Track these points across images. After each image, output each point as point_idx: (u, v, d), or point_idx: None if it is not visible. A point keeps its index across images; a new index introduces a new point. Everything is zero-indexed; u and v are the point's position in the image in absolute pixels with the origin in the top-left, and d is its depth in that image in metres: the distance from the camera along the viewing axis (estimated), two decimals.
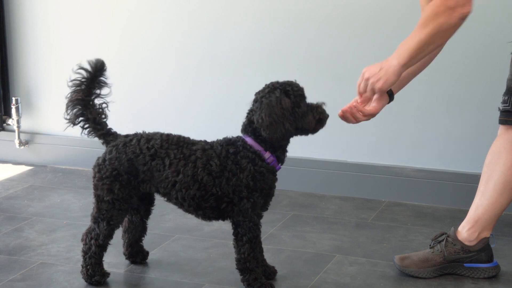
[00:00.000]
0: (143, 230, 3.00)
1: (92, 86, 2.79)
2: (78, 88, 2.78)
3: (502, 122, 2.83)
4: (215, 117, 4.02)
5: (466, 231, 2.92)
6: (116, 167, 2.75)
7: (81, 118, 2.81)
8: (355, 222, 3.51)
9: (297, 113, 2.64)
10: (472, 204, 2.91)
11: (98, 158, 2.81)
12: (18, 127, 4.31)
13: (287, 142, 2.73)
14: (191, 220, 3.48)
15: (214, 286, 2.85)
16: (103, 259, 2.85)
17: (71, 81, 2.79)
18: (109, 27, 4.14)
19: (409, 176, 3.76)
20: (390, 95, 2.70)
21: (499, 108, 2.84)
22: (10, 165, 4.35)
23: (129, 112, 4.11)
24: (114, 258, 3.02)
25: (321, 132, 3.84)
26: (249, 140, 2.69)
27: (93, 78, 2.79)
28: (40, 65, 4.29)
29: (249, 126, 2.70)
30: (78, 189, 3.94)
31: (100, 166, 2.78)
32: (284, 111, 2.61)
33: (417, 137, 3.76)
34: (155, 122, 4.10)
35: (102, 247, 2.82)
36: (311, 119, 2.67)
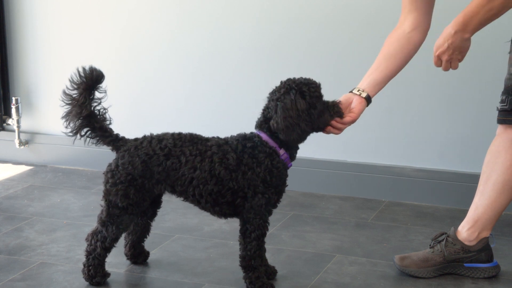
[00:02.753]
0: (146, 231, 3.00)
1: (90, 96, 2.74)
2: (78, 101, 2.72)
3: (500, 121, 2.84)
4: (215, 116, 4.01)
5: (465, 231, 2.92)
6: (130, 172, 2.72)
7: (87, 129, 2.76)
8: (355, 222, 3.51)
9: (313, 114, 2.66)
10: (471, 204, 2.91)
11: (110, 164, 2.78)
12: (18, 127, 4.31)
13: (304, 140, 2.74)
14: (191, 220, 3.48)
15: (214, 286, 2.85)
16: (105, 260, 2.85)
17: (67, 95, 2.73)
18: (109, 27, 4.14)
19: (409, 176, 3.76)
20: (367, 99, 2.76)
21: (497, 108, 2.85)
22: (10, 165, 4.35)
23: (129, 112, 4.11)
24: (114, 258, 3.02)
25: (320, 132, 3.84)
26: (264, 136, 2.70)
27: (90, 89, 2.74)
28: (40, 65, 4.29)
29: (264, 123, 2.71)
30: (78, 189, 3.94)
31: (113, 172, 2.75)
32: (300, 112, 2.62)
33: (417, 137, 3.76)
34: (155, 122, 4.10)
35: (107, 250, 2.81)
36: (328, 118, 2.69)
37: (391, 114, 3.77)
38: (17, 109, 4.27)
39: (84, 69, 2.72)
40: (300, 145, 2.79)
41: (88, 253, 2.81)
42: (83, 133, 2.77)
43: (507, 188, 2.84)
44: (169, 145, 2.72)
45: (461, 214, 3.05)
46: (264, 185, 2.68)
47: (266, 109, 2.72)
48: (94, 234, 2.80)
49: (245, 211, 2.71)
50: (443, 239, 2.94)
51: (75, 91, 2.73)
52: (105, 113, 2.80)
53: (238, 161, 2.68)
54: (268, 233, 3.08)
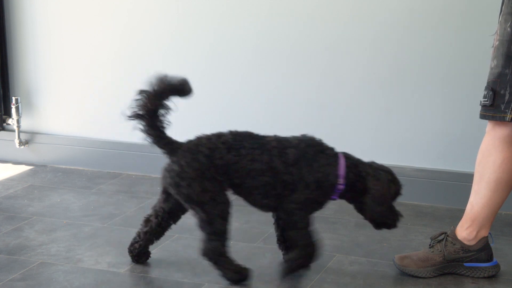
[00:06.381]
0: (163, 233, 3.01)
1: (162, 100, 2.76)
2: (150, 98, 2.73)
3: (482, 116, 2.84)
4: (216, 117, 4.01)
5: (464, 230, 2.91)
6: (197, 167, 2.73)
7: (144, 123, 2.76)
8: (355, 222, 3.50)
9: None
10: (467, 204, 2.91)
11: (170, 170, 2.76)
12: (18, 126, 4.31)
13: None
14: (191, 219, 3.47)
15: (214, 286, 2.85)
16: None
17: (146, 91, 2.74)
18: (109, 27, 4.14)
19: (409, 176, 3.76)
20: None
21: (480, 103, 2.85)
22: (10, 165, 4.35)
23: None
24: (114, 258, 3.02)
25: (321, 132, 3.83)
26: (342, 161, 2.82)
27: (165, 93, 2.75)
28: (40, 65, 4.29)
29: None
30: (78, 189, 3.94)
31: (181, 175, 2.73)
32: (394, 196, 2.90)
33: (417, 137, 3.76)
34: None
35: (225, 243, 2.81)
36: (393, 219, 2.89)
37: (391, 114, 3.77)
38: (17, 109, 4.27)
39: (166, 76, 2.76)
40: None
41: (216, 260, 2.82)
42: (141, 126, 2.76)
43: (500, 186, 2.84)
44: (230, 140, 2.77)
45: (461, 214, 3.05)
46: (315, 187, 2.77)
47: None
48: (209, 248, 2.80)
49: (287, 201, 2.77)
50: (443, 239, 2.94)
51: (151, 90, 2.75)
52: (166, 125, 2.80)
53: (297, 156, 2.75)
54: (268, 233, 3.07)
